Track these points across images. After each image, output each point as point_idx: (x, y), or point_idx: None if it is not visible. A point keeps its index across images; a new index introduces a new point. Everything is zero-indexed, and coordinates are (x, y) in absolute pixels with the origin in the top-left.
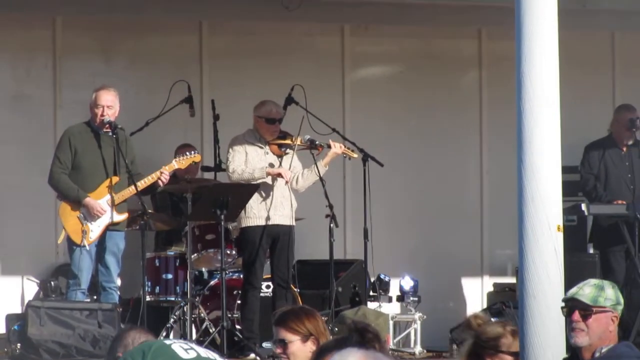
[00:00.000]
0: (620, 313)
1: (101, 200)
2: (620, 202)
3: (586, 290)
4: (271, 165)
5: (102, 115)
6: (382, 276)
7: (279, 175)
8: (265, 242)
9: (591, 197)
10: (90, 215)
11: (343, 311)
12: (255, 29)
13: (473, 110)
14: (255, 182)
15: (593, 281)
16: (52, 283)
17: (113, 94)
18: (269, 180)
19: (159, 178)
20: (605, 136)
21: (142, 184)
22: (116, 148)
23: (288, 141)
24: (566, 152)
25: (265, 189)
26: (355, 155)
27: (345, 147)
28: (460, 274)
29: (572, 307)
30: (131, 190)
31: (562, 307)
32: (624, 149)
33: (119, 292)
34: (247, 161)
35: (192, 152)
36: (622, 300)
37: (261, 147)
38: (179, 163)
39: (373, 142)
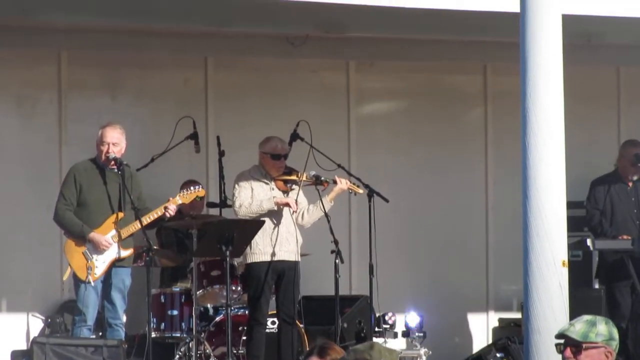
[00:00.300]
0: (616, 348)
1: (106, 236)
2: (625, 237)
3: (577, 326)
4: None
5: (107, 152)
6: (386, 318)
7: (287, 204)
8: (271, 278)
9: (597, 233)
10: (97, 249)
11: (353, 346)
12: (260, 65)
13: (478, 146)
14: (263, 213)
15: (586, 317)
16: (58, 319)
17: (119, 131)
18: (276, 208)
19: (164, 212)
20: (611, 171)
21: (147, 219)
22: (122, 184)
23: (293, 177)
24: (572, 187)
25: (271, 225)
26: (361, 191)
27: (350, 182)
28: (465, 309)
29: (564, 343)
30: (136, 225)
31: (555, 344)
32: (630, 184)
33: (124, 329)
34: (252, 197)
35: (197, 187)
36: (616, 336)
37: (267, 183)
38: (183, 198)
39: (378, 177)
